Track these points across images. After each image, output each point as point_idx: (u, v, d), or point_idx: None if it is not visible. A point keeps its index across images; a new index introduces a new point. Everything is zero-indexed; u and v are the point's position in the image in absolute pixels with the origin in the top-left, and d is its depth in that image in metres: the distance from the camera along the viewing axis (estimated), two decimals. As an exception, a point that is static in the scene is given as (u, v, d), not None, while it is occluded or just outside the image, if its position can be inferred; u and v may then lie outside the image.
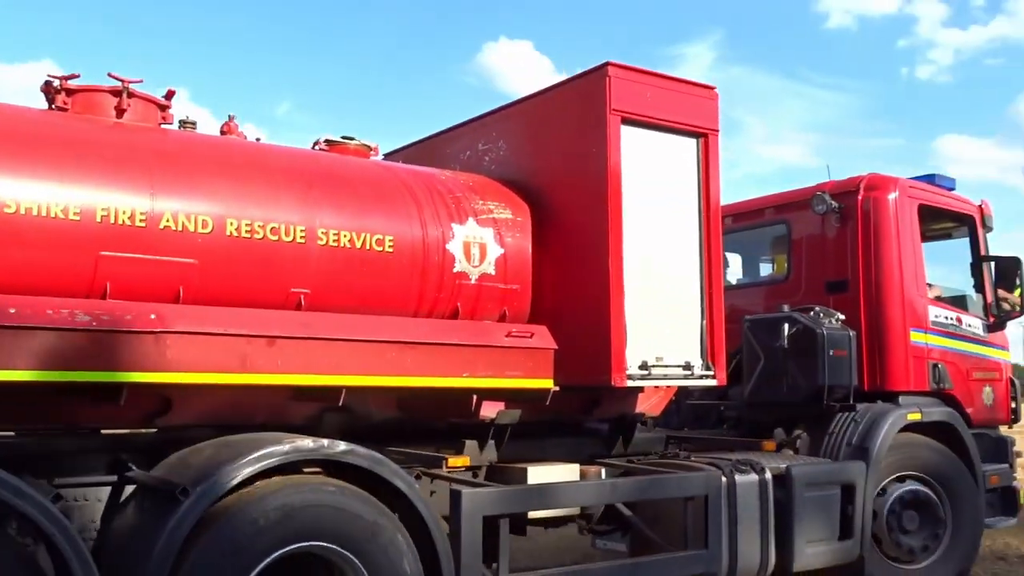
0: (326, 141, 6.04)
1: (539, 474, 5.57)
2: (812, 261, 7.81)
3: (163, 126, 5.21)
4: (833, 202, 7.55)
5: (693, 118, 6.04)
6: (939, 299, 7.81)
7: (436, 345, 4.99)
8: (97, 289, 4.39)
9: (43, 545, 3.78)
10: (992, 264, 8.10)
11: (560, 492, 5.32)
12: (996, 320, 8.12)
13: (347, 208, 5.12)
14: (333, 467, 4.50)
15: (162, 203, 4.53)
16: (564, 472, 5.74)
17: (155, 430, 4.99)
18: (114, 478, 4.56)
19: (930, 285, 7.71)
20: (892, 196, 7.46)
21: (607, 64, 5.67)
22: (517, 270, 5.72)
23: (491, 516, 4.85)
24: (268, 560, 4.14)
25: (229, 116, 5.67)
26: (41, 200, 4.23)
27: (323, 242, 4.97)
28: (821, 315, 7.06)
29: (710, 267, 6.02)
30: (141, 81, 5.12)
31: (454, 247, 5.45)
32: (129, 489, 4.51)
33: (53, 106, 5.03)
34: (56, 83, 5.02)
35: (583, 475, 5.90)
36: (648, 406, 6.52)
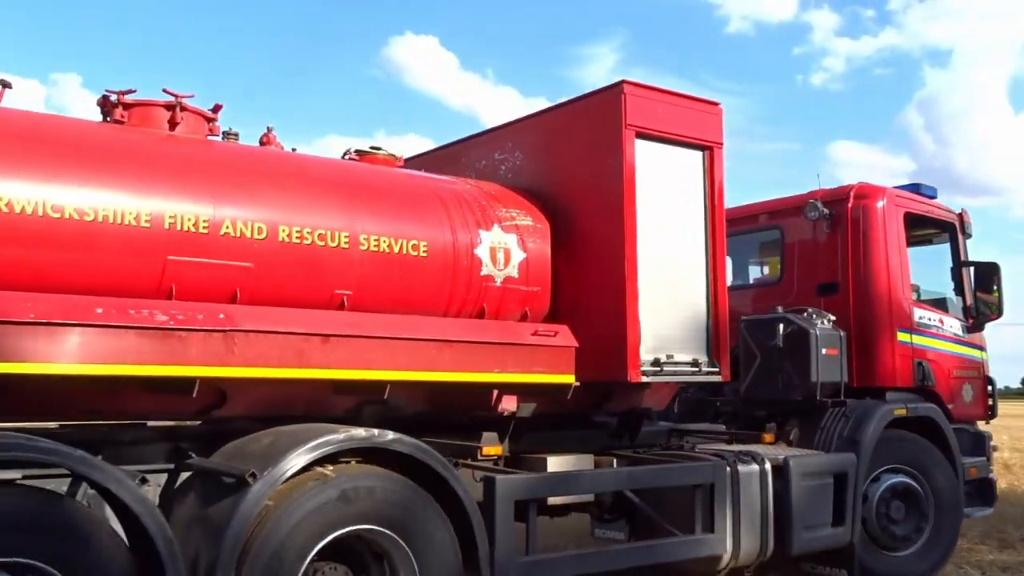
0: (356, 151, 6.42)
1: (558, 463, 5.99)
2: (804, 265, 8.29)
3: (209, 137, 5.58)
4: (825, 209, 8.03)
5: (700, 132, 6.48)
6: (922, 301, 8.31)
7: (470, 343, 5.40)
8: (164, 290, 4.74)
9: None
10: (971, 269, 8.61)
11: (583, 479, 5.75)
12: (975, 322, 8.63)
13: (386, 216, 5.50)
14: (379, 455, 4.89)
15: (222, 211, 4.89)
16: (579, 462, 6.16)
17: (199, 422, 5.37)
18: (171, 465, 4.92)
19: (914, 287, 8.21)
20: (880, 204, 7.95)
21: (623, 82, 6.10)
22: (538, 273, 6.13)
23: (522, 500, 5.26)
24: (325, 541, 4.53)
25: (268, 128, 6.04)
26: (116, 208, 4.58)
27: (364, 247, 5.35)
28: (814, 316, 7.54)
29: (715, 270, 6.46)
30: (193, 96, 5.49)
31: (481, 252, 5.85)
32: (183, 475, 4.88)
33: (109, 119, 5.39)
34: (114, 97, 5.38)
35: (597, 465, 6.33)
36: (654, 401, 6.95)
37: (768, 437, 7.17)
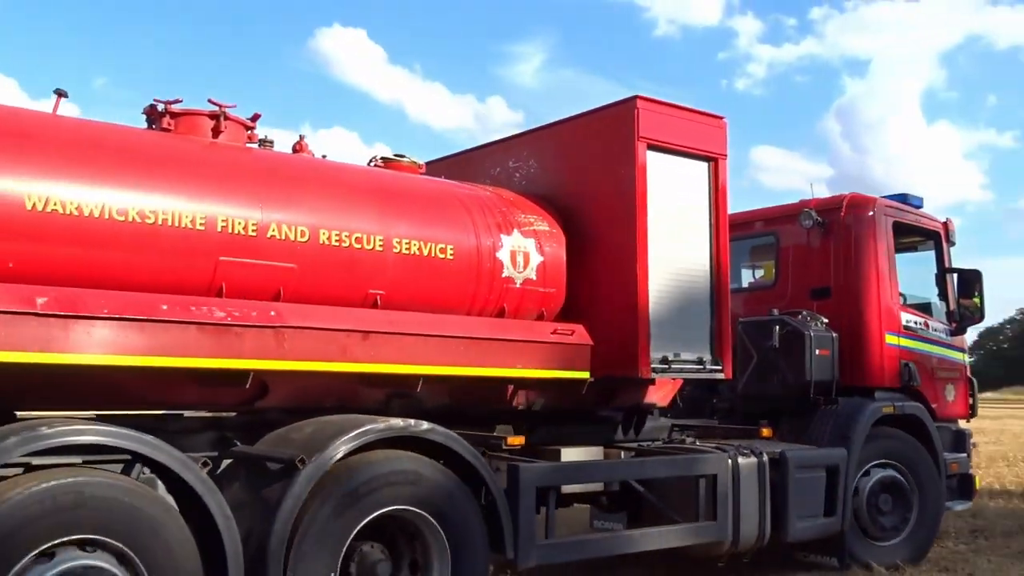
0: (382, 159, 6.79)
1: (571, 454, 6.39)
2: (798, 269, 8.72)
3: (248, 145, 5.94)
4: (818, 217, 8.48)
5: (705, 144, 6.90)
6: (908, 305, 8.76)
7: (496, 340, 5.80)
8: (215, 288, 5.09)
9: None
10: (955, 275, 9.08)
11: (600, 468, 6.17)
12: (958, 325, 9.10)
13: (416, 220, 5.88)
14: (412, 443, 5.26)
15: (269, 215, 5.25)
16: (590, 453, 6.57)
17: (234, 413, 5.72)
18: (215, 453, 5.27)
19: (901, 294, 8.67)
20: (871, 213, 8.41)
21: (636, 97, 6.51)
22: (554, 275, 6.52)
23: (543, 487, 5.66)
24: (366, 520, 4.91)
25: (300, 136, 6.39)
26: (174, 211, 4.93)
27: (397, 250, 5.72)
28: (808, 319, 7.99)
29: (719, 274, 6.88)
30: (235, 106, 5.85)
31: (503, 255, 6.23)
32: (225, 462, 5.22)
33: (155, 126, 5.73)
34: (161, 107, 5.73)
35: (606, 456, 6.73)
36: (658, 397, 7.34)
37: (766, 432, 7.59)
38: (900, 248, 8.92)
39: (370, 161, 6.81)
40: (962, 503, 9.12)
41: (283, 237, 5.29)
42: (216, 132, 5.70)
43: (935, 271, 9.19)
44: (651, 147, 6.53)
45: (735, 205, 7.38)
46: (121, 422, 5.01)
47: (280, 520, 4.60)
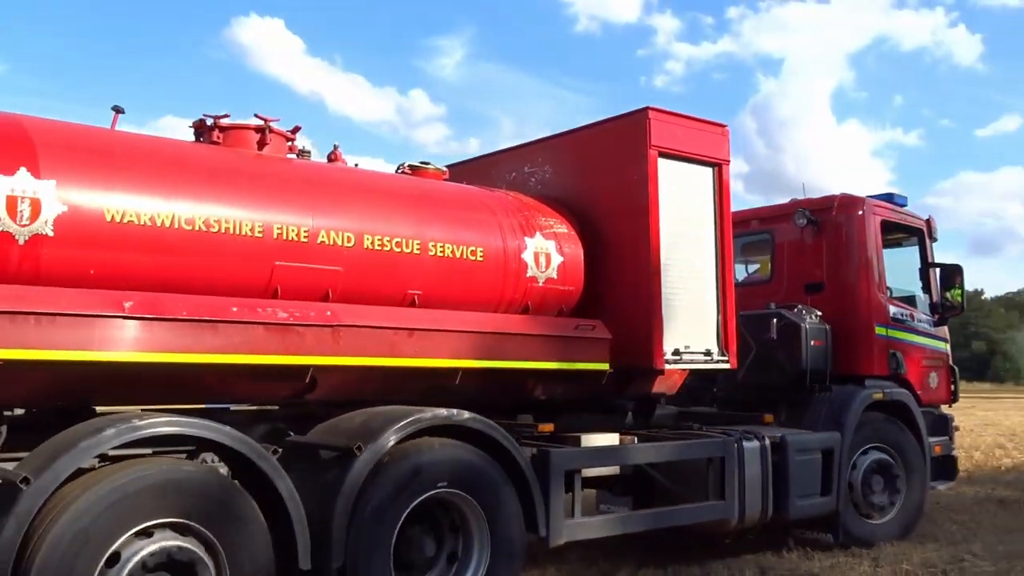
0: (409, 166, 7.22)
1: (590, 440, 6.86)
2: (792, 265, 9.25)
3: (288, 155, 6.35)
4: (811, 216, 9.00)
5: (710, 151, 7.40)
6: (895, 298, 9.31)
7: (527, 336, 6.29)
8: (270, 291, 5.53)
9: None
10: (938, 270, 9.65)
11: (621, 452, 6.66)
12: (940, 316, 9.67)
13: (449, 225, 6.34)
14: (453, 431, 5.72)
15: (319, 222, 5.69)
16: (607, 439, 7.04)
17: (277, 407, 6.15)
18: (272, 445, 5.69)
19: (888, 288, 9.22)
20: (860, 212, 8.94)
21: (648, 108, 6.99)
22: (573, 274, 6.99)
23: (570, 470, 6.15)
24: (417, 501, 5.37)
25: (335, 145, 6.83)
26: (235, 220, 5.36)
27: (433, 253, 6.18)
28: (803, 312, 8.52)
29: (724, 270, 7.40)
30: (279, 120, 6.26)
31: (527, 256, 6.70)
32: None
33: (202, 139, 6.13)
34: (210, 121, 6.13)
35: (621, 442, 7.21)
36: (666, 386, 7.83)
37: (768, 418, 8.12)
38: (886, 244, 9.45)
39: (398, 168, 7.24)
40: (945, 483, 9.71)
41: (332, 243, 5.73)
42: (261, 144, 6.12)
43: (919, 266, 9.75)
44: (662, 154, 7.02)
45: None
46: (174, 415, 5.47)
47: (341, 502, 5.05)
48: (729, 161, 7.51)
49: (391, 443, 5.30)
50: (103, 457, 4.51)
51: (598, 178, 7.31)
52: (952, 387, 9.96)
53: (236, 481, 4.95)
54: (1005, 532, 8.84)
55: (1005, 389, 59.52)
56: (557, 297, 6.92)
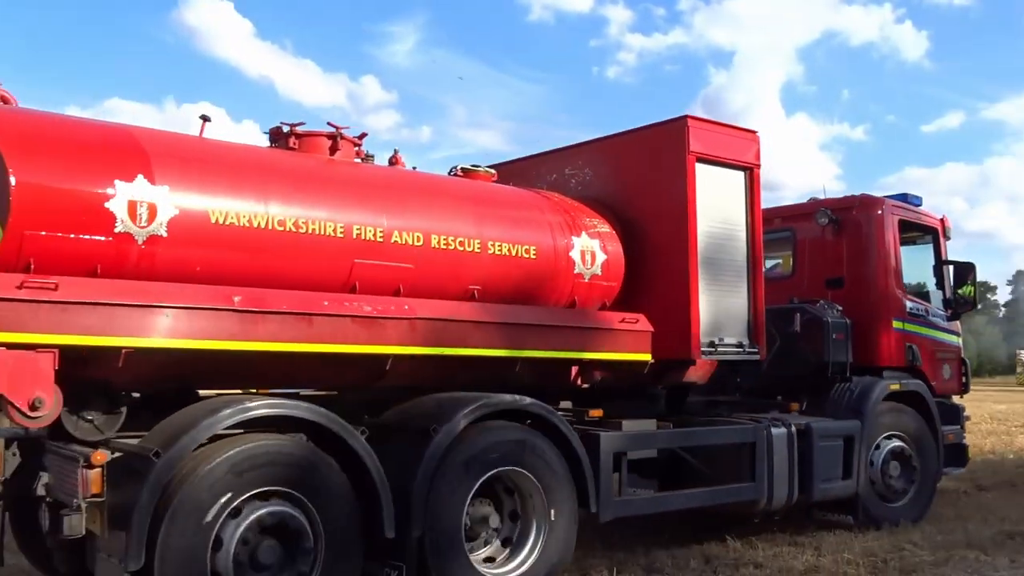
0: (462, 168, 7.74)
1: (631, 426, 7.40)
2: (814, 262, 9.77)
3: (356, 160, 6.88)
4: (832, 215, 9.52)
5: (742, 156, 7.92)
6: (911, 294, 9.83)
7: (578, 328, 6.81)
8: (349, 286, 6.05)
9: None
10: (951, 267, 10.17)
11: (661, 436, 7.22)
12: (953, 312, 10.20)
13: (505, 225, 6.85)
14: (513, 415, 6.26)
15: (392, 223, 6.20)
16: (645, 425, 7.58)
17: (336, 392, 6.66)
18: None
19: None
20: (880, 212, 9.46)
21: (687, 117, 7.51)
22: (615, 271, 7.51)
23: (618, 452, 6.69)
24: (485, 477, 5.92)
25: (395, 150, 7.36)
26: (321, 220, 5.88)
27: (491, 251, 6.69)
28: (825, 306, 9.05)
29: (755, 267, 7.92)
30: (349, 128, 6.77)
31: (574, 254, 7.22)
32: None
33: (276, 144, 6.66)
34: (286, 129, 6.65)
35: (658, 428, 7.75)
36: (699, 376, 8.34)
37: (794, 406, 8.66)
38: (902, 242, 9.97)
39: (451, 171, 7.75)
40: (956, 469, 10.26)
41: (403, 242, 6.25)
42: (333, 150, 6.64)
43: (933, 263, 10.27)
44: (699, 159, 7.54)
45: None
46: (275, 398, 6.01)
47: (420, 478, 5.59)
48: (760, 165, 8.03)
49: (462, 425, 5.84)
50: (213, 436, 5.06)
51: (638, 180, 7.82)
52: (964, 379, 10.49)
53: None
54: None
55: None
56: (600, 292, 7.44)
